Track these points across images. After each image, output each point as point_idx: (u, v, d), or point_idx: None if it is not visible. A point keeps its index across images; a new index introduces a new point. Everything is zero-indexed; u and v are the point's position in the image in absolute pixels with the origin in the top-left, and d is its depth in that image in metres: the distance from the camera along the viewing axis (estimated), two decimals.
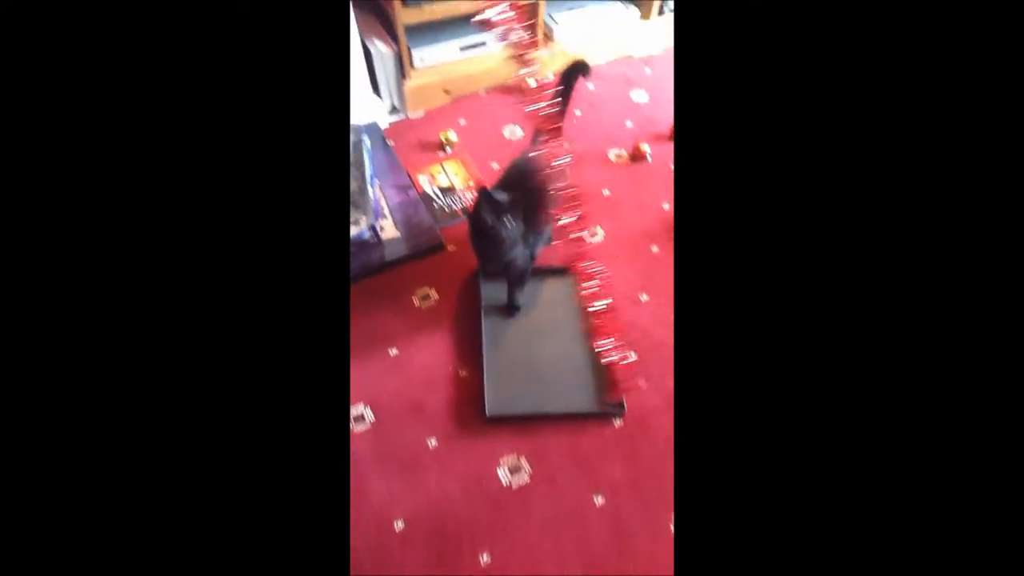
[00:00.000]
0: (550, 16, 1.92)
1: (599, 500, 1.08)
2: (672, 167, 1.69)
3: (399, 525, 1.04)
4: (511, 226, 1.14)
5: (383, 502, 1.07)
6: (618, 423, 1.18)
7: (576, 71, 1.29)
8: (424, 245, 1.44)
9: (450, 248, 1.47)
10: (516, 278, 1.28)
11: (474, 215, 1.16)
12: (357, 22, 1.55)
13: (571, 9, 1.95)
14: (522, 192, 1.22)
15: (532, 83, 1.96)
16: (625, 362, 1.15)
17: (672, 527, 1.05)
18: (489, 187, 1.19)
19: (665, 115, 1.84)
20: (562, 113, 1.35)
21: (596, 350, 1.19)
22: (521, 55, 1.09)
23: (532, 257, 1.28)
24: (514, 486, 1.09)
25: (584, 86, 1.95)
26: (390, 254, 1.42)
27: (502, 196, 1.14)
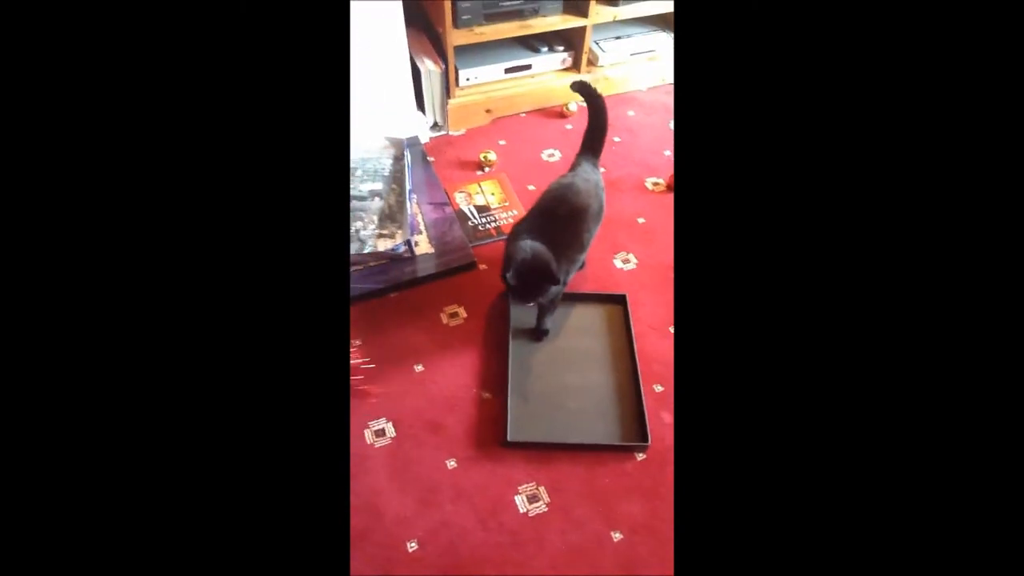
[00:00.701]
0: (596, 43, 1.93)
1: (616, 536, 1.05)
2: None
3: (412, 546, 1.03)
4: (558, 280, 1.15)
5: (397, 521, 1.06)
6: (640, 457, 1.16)
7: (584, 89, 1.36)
8: (456, 263, 1.45)
9: (482, 267, 1.48)
10: (548, 305, 1.27)
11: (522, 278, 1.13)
12: (407, 40, 1.59)
13: (617, 38, 1.97)
14: (557, 219, 1.22)
15: (573, 108, 1.97)
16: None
17: None
18: (523, 219, 1.22)
19: None
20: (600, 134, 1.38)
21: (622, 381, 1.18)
22: None
23: (564, 283, 1.27)
24: (531, 514, 1.08)
25: (624, 113, 1.95)
26: (422, 270, 1.43)
27: (550, 265, 1.14)
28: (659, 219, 1.62)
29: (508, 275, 1.13)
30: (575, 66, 1.92)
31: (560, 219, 1.22)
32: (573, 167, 1.36)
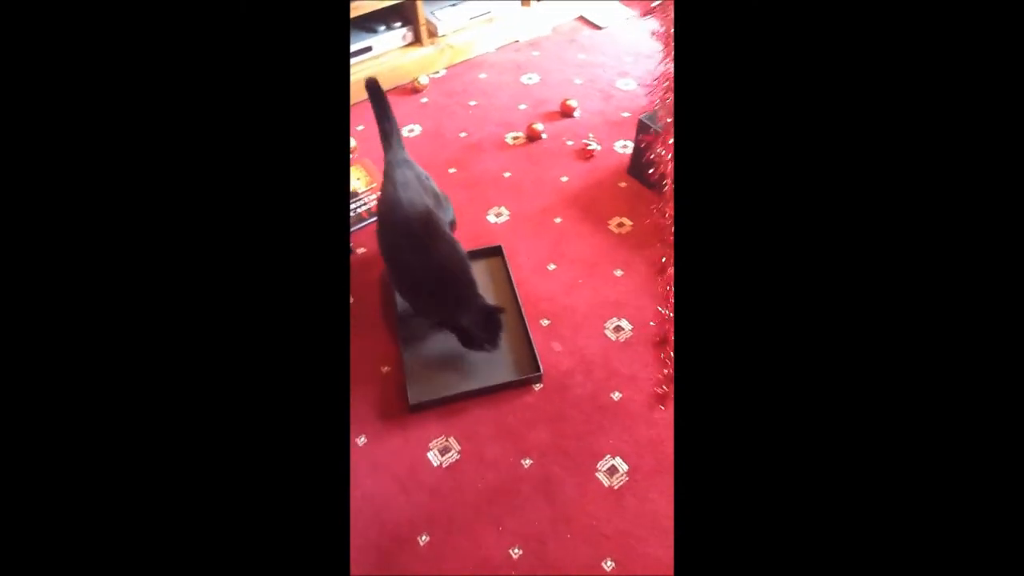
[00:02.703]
0: (431, 14, 1.95)
1: (527, 463, 1.12)
2: (567, 142, 1.75)
3: None
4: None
5: None
6: (538, 387, 1.23)
7: (373, 87, 1.31)
8: None
9: (359, 251, 1.49)
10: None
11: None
12: None
13: (453, 5, 1.99)
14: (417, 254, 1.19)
15: (424, 80, 1.99)
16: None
17: (597, 475, 1.10)
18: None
19: (556, 94, 1.90)
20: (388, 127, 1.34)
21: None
22: None
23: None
24: (445, 466, 1.13)
25: (476, 77, 2.00)
26: None
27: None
28: (524, 171, 1.68)
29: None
30: (417, 40, 1.94)
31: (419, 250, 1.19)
32: (386, 173, 1.30)
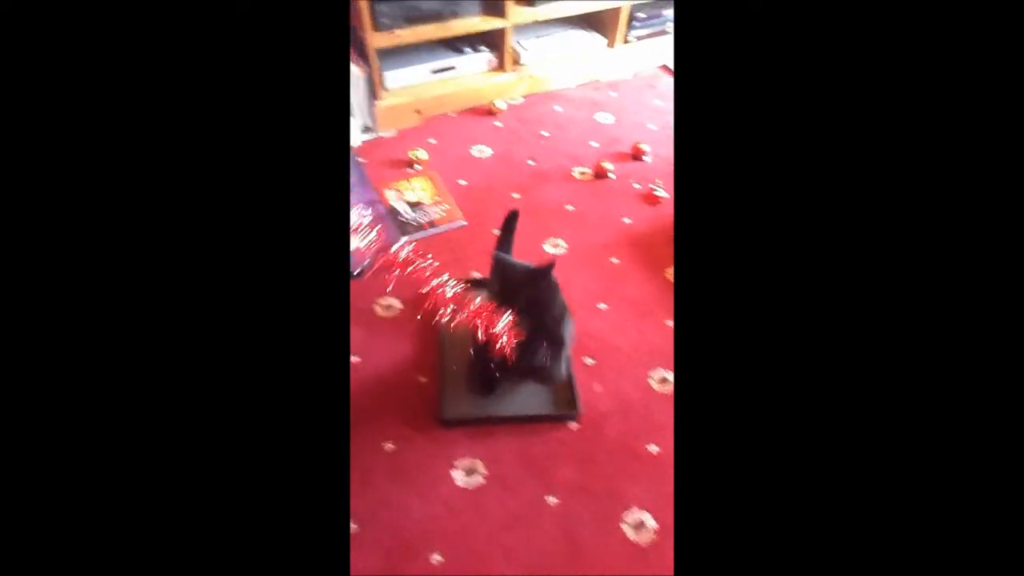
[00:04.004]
0: (518, 43, 2.01)
1: (552, 500, 1.09)
2: (633, 184, 1.75)
3: (353, 527, 1.04)
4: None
5: None
6: (573, 426, 1.20)
7: (513, 219, 1.23)
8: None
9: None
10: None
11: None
12: None
13: (539, 37, 2.04)
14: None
15: (501, 105, 2.04)
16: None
17: (622, 526, 1.06)
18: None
19: (629, 136, 1.91)
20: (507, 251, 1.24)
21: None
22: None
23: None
24: (469, 487, 1.10)
25: (551, 108, 2.03)
26: (353, 266, 1.45)
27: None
28: (586, 205, 1.68)
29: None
30: (500, 66, 1.99)
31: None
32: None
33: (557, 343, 1.13)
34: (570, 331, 1.17)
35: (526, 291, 1.10)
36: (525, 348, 1.11)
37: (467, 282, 1.06)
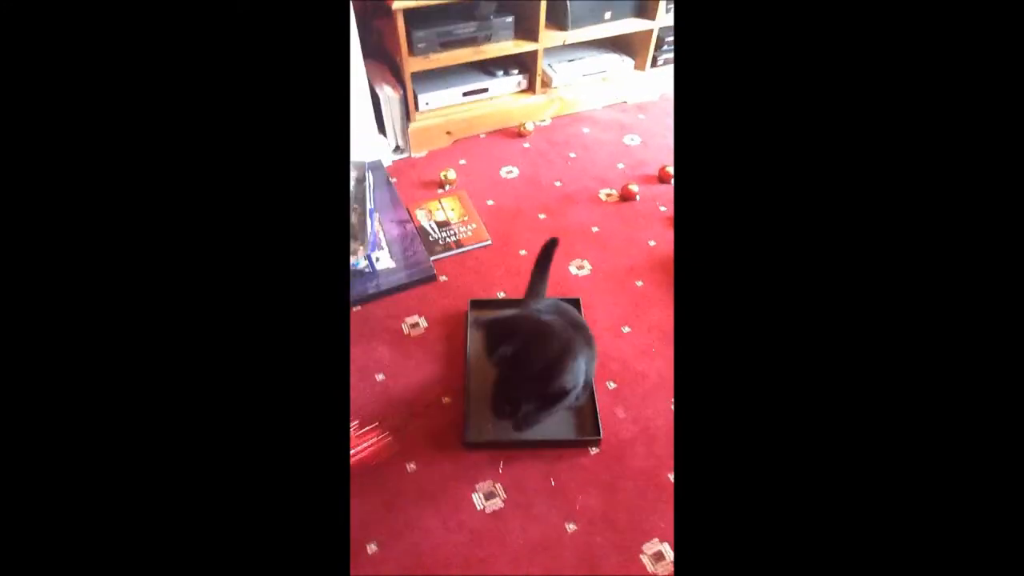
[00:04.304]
0: (548, 66, 2.03)
1: (572, 528, 1.09)
2: (660, 207, 1.75)
3: (372, 548, 1.06)
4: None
5: (356, 524, 1.09)
6: (595, 451, 1.20)
7: (552, 247, 1.25)
8: (416, 276, 1.50)
9: (441, 279, 1.53)
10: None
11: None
12: (367, 69, 1.67)
13: (570, 61, 2.07)
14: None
15: (530, 127, 2.06)
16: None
17: (642, 558, 1.05)
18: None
19: (656, 158, 1.92)
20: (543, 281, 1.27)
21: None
22: None
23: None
24: (488, 511, 1.11)
25: (579, 130, 2.05)
26: (383, 284, 1.48)
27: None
28: (612, 228, 1.69)
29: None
30: (530, 88, 2.01)
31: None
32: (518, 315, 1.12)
33: (587, 388, 1.17)
34: (592, 367, 1.19)
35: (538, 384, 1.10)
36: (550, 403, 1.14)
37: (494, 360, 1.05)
